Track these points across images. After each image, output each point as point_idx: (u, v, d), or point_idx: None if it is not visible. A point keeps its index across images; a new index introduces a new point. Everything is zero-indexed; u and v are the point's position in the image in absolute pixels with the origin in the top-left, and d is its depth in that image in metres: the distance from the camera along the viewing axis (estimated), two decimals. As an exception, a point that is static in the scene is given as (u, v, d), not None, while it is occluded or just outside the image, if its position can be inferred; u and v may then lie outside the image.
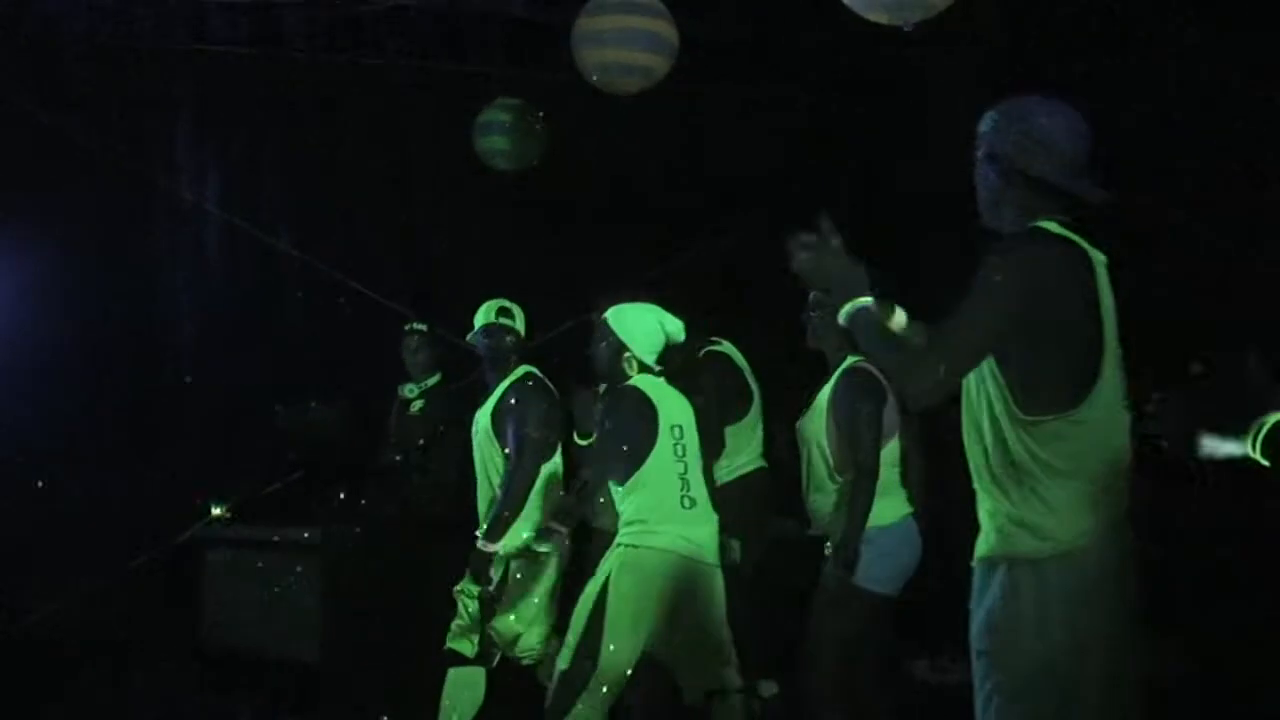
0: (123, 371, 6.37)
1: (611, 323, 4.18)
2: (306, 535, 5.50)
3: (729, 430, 4.75)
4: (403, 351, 5.69)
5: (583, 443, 5.04)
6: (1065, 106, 2.53)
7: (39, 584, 5.68)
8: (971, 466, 2.53)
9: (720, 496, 4.30)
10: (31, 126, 5.95)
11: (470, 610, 4.55)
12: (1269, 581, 5.03)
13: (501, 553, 4.51)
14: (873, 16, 4.41)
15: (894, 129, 6.90)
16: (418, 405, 5.72)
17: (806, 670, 4.09)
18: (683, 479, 4.02)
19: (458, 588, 4.61)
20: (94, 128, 6.13)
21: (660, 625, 3.98)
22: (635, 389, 4.09)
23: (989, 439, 2.45)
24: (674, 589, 3.96)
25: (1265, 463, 2.46)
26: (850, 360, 4.06)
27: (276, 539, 5.67)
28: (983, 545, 2.50)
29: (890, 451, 4.09)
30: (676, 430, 4.06)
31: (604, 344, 4.18)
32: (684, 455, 4.05)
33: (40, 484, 6.02)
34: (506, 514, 4.44)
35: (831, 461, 4.09)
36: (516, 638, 4.58)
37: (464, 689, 4.51)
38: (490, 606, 4.52)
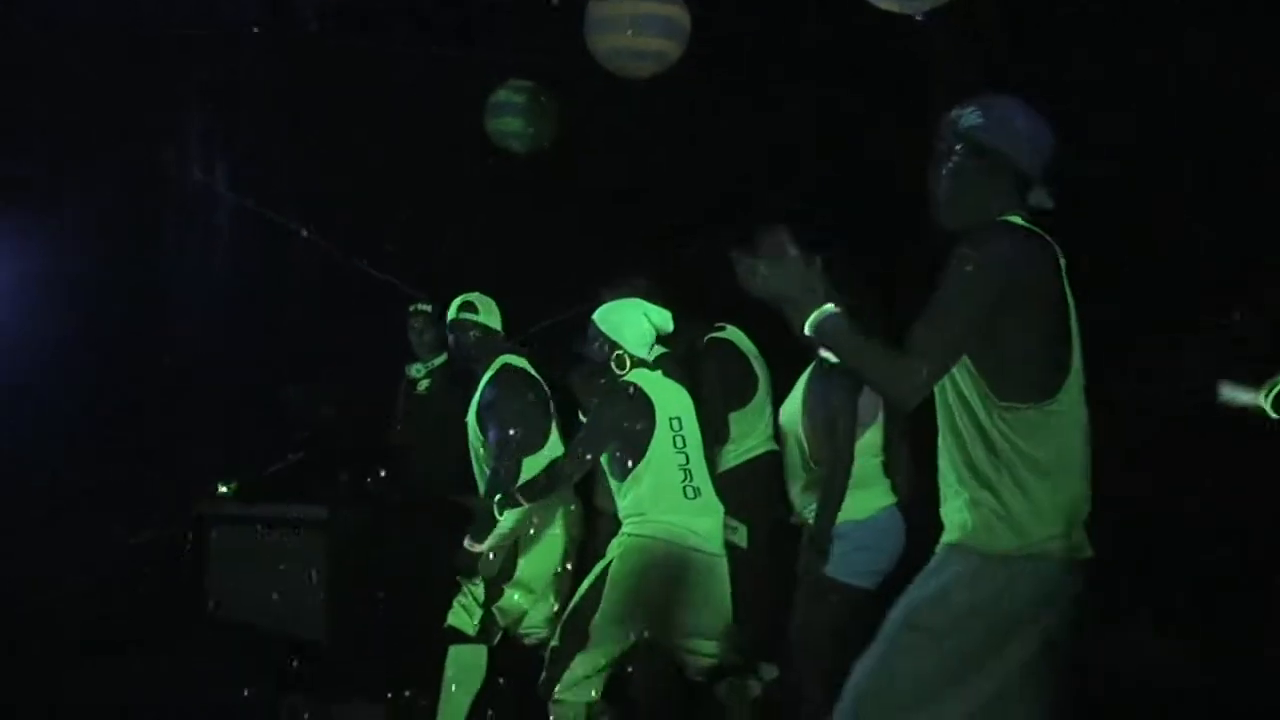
0: (130, 350, 6.39)
1: (600, 323, 4.27)
2: (312, 514, 5.52)
3: (736, 415, 4.77)
4: (409, 331, 5.72)
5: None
6: (1034, 110, 2.56)
7: (47, 561, 5.70)
8: (947, 458, 2.51)
9: (728, 480, 4.34)
10: (37, 106, 5.97)
11: (474, 591, 4.58)
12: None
13: (505, 531, 4.53)
14: (884, 5, 4.41)
15: (898, 122, 6.91)
16: (424, 385, 5.74)
17: (794, 660, 4.11)
18: (684, 469, 4.08)
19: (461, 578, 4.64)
20: (101, 110, 6.14)
21: (660, 613, 4.03)
22: (629, 384, 4.16)
23: (968, 429, 2.43)
24: (675, 579, 4.02)
25: (1274, 416, 2.48)
26: None
27: (283, 517, 5.70)
28: (956, 532, 2.47)
29: (870, 441, 4.07)
30: (675, 422, 4.12)
31: (595, 344, 4.26)
32: (684, 446, 4.11)
33: (47, 462, 6.05)
34: (490, 514, 4.41)
35: (807, 450, 4.10)
36: (521, 616, 4.61)
37: (465, 667, 4.53)
38: (496, 588, 4.55)
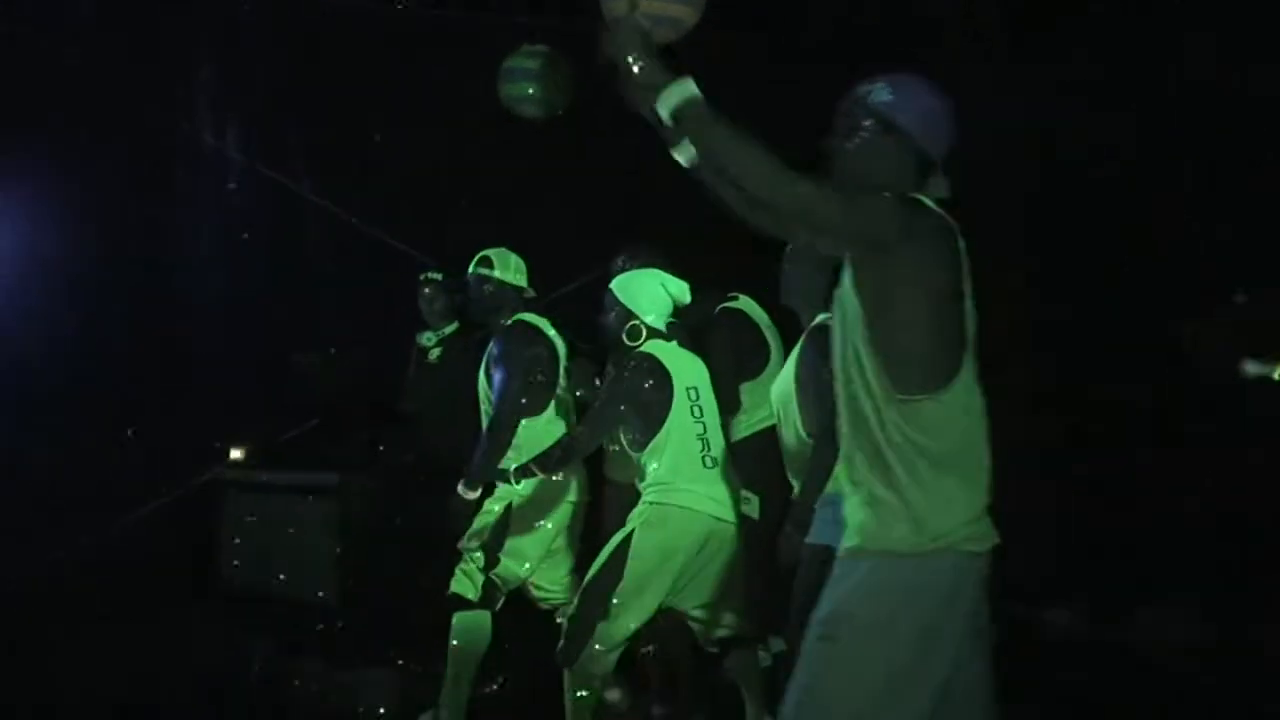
0: (143, 316, 6.39)
1: (617, 292, 4.27)
2: (325, 480, 5.54)
3: (747, 386, 4.74)
4: (419, 299, 5.70)
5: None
6: (939, 92, 2.49)
7: (61, 525, 5.73)
8: (846, 454, 2.43)
9: (739, 451, 4.32)
10: (49, 69, 5.94)
11: (475, 558, 4.58)
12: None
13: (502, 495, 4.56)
14: None
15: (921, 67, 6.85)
16: (435, 354, 5.73)
17: (791, 632, 4.10)
18: (702, 439, 4.10)
19: (462, 544, 4.64)
20: (111, 70, 6.11)
21: (681, 583, 4.05)
22: (646, 355, 4.16)
23: (869, 423, 2.35)
24: (696, 548, 4.03)
25: None
26: (820, 318, 3.95)
27: (295, 483, 5.71)
28: (855, 535, 2.37)
29: None
30: (692, 392, 4.13)
31: (612, 314, 4.27)
32: (702, 415, 4.13)
33: (58, 426, 6.06)
34: (483, 460, 4.45)
35: (800, 424, 4.07)
36: (519, 582, 4.61)
37: (469, 632, 4.54)
38: (493, 555, 4.55)
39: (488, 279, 4.80)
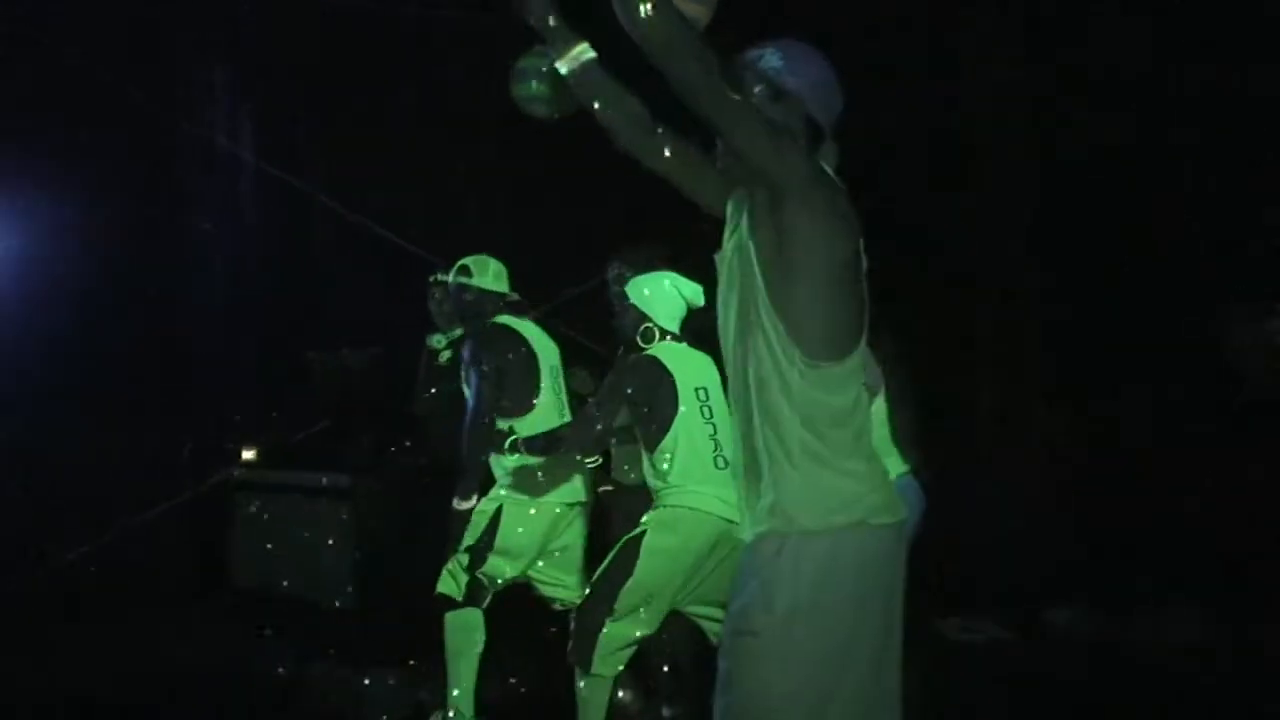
0: (153, 318, 6.40)
1: (630, 295, 4.27)
2: (336, 480, 5.53)
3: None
4: (428, 301, 5.70)
5: None
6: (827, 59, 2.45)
7: (74, 526, 5.73)
8: (745, 446, 2.34)
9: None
10: (54, 70, 5.95)
11: (460, 557, 4.58)
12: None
13: (495, 495, 4.56)
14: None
15: (924, 68, 6.86)
16: (445, 356, 5.73)
17: None
18: (714, 439, 4.07)
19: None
20: (124, 71, 6.12)
21: (691, 583, 4.03)
22: (649, 358, 4.15)
23: (773, 393, 2.26)
24: (706, 549, 4.01)
25: None
26: None
27: (306, 484, 5.70)
28: (764, 520, 2.29)
29: (875, 411, 4.01)
30: (701, 392, 4.11)
31: (626, 316, 4.27)
32: (712, 416, 4.09)
33: (70, 426, 6.07)
34: (467, 463, 4.51)
35: None
36: (508, 580, 4.60)
37: (462, 631, 4.52)
38: (482, 554, 4.54)
39: (467, 287, 4.83)
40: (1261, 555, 5.32)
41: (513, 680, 4.99)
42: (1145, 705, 4.89)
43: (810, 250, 2.24)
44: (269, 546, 5.82)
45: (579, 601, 4.45)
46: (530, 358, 4.70)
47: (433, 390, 5.75)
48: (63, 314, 6.08)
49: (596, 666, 3.98)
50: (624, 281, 4.33)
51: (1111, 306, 6.42)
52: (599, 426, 4.19)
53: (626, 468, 4.70)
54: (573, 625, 4.09)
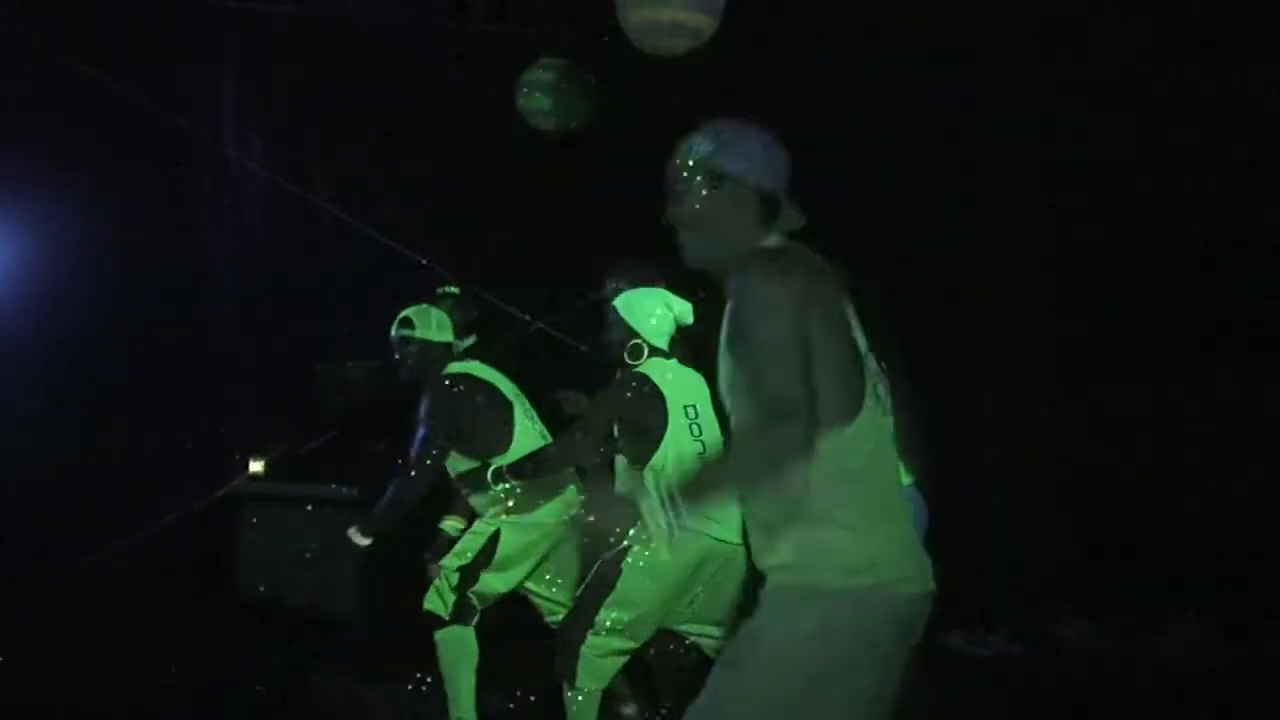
0: (163, 328, 6.41)
1: (620, 310, 4.26)
2: (344, 492, 5.53)
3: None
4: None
5: None
6: (762, 128, 2.44)
7: (80, 536, 5.74)
8: (755, 498, 2.31)
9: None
10: (72, 80, 5.98)
11: (449, 575, 4.57)
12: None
13: (493, 517, 4.56)
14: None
15: (940, 96, 6.85)
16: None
17: None
18: (702, 457, 4.04)
19: (442, 561, 4.65)
20: (133, 82, 6.14)
21: (677, 603, 4.05)
22: (639, 375, 4.15)
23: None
24: (693, 567, 4.01)
25: None
26: None
27: (314, 496, 5.71)
28: (776, 573, 2.28)
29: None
30: (690, 410, 4.11)
31: (615, 332, 4.26)
32: (701, 434, 4.09)
33: (77, 438, 6.08)
34: (386, 509, 4.52)
35: None
36: (498, 597, 4.60)
37: (454, 648, 4.54)
38: (474, 573, 4.53)
39: (410, 339, 4.72)
40: (1262, 555, 5.32)
41: (518, 692, 4.98)
42: (1153, 718, 4.87)
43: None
44: (276, 558, 5.82)
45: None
46: (495, 395, 4.65)
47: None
48: (68, 324, 6.09)
49: (581, 680, 3.97)
50: (617, 295, 4.33)
51: (1111, 308, 6.42)
52: (585, 439, 4.18)
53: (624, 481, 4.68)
54: (557, 640, 4.10)
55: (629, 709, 4.60)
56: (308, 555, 5.55)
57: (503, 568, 4.55)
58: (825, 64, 6.49)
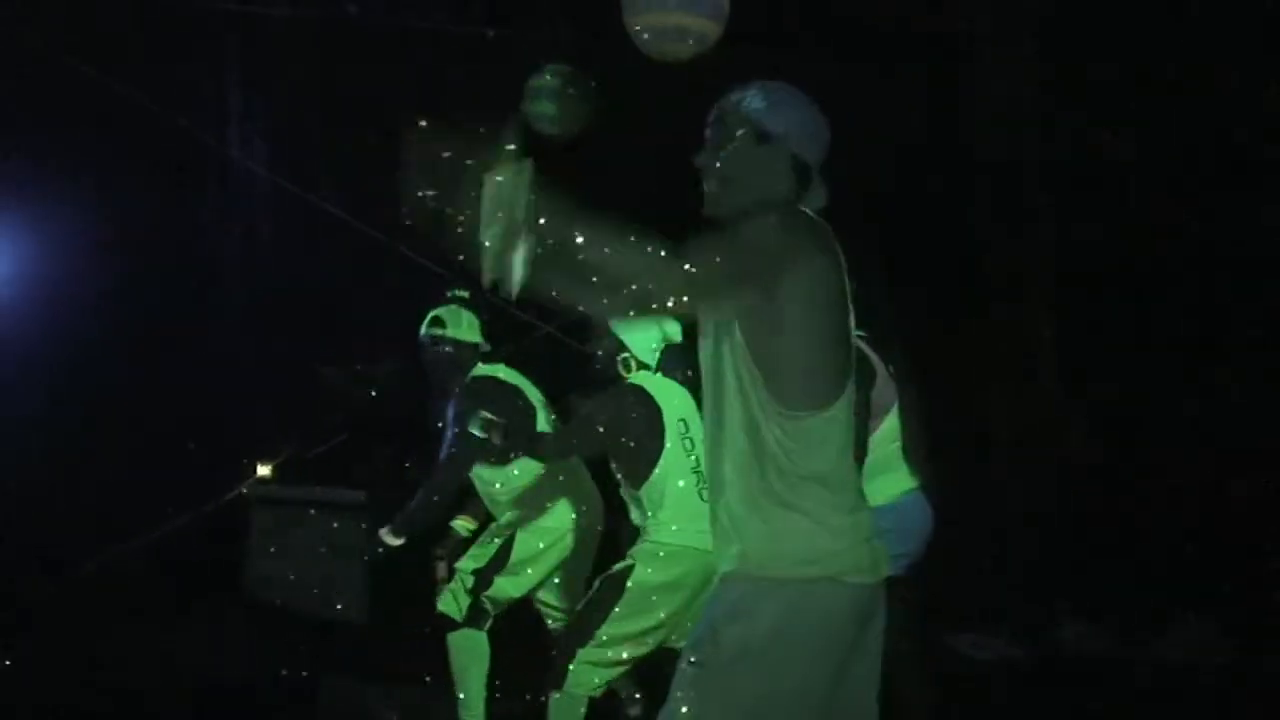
0: (169, 331, 6.42)
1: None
2: (352, 495, 5.55)
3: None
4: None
5: None
6: (813, 100, 2.38)
7: (89, 540, 5.76)
8: (717, 483, 2.27)
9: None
10: (73, 81, 5.98)
11: (465, 579, 4.59)
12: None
13: (508, 522, 4.57)
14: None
15: (932, 96, 6.87)
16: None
17: None
18: (697, 472, 4.03)
19: (458, 564, 4.66)
20: (135, 83, 6.14)
21: (676, 619, 4.02)
22: (635, 386, 4.15)
23: (745, 446, 2.21)
24: (697, 584, 3.98)
25: None
26: None
27: (322, 500, 5.73)
28: (732, 560, 2.24)
29: (889, 426, 4.02)
30: (682, 425, 4.10)
31: (603, 344, 4.24)
32: (693, 449, 4.06)
33: (85, 441, 6.09)
34: (416, 512, 4.46)
35: None
36: (511, 602, 4.61)
37: (465, 651, 4.56)
38: (488, 578, 4.55)
39: (442, 339, 4.63)
40: (1262, 555, 5.35)
41: (527, 696, 5.01)
42: (1153, 718, 4.90)
43: (789, 302, 2.18)
44: (284, 561, 5.84)
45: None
46: (523, 400, 4.65)
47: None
48: (71, 325, 6.10)
49: (568, 685, 3.98)
50: None
51: (1111, 308, 6.44)
52: (574, 444, 4.23)
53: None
54: (554, 652, 4.12)
55: (633, 710, 4.63)
56: (316, 558, 5.57)
57: (516, 572, 4.57)
58: (824, 64, 6.51)
